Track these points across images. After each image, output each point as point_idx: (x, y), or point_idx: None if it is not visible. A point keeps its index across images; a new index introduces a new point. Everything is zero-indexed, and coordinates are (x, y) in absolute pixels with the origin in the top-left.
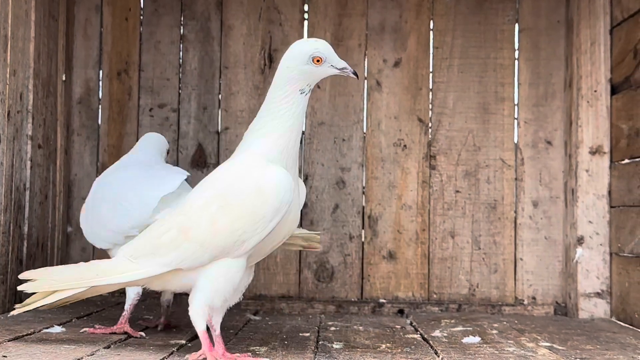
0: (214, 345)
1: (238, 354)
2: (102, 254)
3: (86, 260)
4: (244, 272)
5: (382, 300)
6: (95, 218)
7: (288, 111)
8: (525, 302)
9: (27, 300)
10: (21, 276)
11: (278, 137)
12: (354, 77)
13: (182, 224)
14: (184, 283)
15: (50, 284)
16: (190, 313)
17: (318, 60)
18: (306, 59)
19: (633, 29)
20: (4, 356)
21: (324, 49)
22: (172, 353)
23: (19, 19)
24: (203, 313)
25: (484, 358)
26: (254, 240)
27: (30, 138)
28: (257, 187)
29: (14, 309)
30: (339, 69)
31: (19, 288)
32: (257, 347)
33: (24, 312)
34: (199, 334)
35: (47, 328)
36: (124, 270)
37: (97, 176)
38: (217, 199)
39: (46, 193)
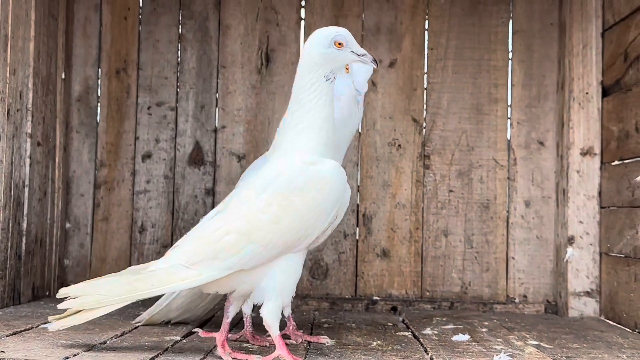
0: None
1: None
2: (100, 251)
3: (84, 256)
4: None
5: (375, 298)
6: None
7: (318, 101)
8: (517, 300)
9: (68, 312)
10: (61, 292)
11: (318, 130)
12: (374, 65)
13: (242, 227)
14: (243, 284)
15: (97, 299)
16: (264, 316)
17: (340, 44)
18: (328, 42)
19: (624, 32)
20: (2, 351)
21: (345, 34)
22: (166, 349)
23: (19, 19)
24: (278, 315)
25: (471, 356)
26: (315, 234)
27: (29, 136)
28: (315, 183)
29: (49, 321)
30: (359, 55)
31: (60, 306)
32: (250, 344)
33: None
34: (275, 339)
35: (44, 323)
36: (184, 277)
37: (95, 173)
38: (277, 198)
39: (45, 190)
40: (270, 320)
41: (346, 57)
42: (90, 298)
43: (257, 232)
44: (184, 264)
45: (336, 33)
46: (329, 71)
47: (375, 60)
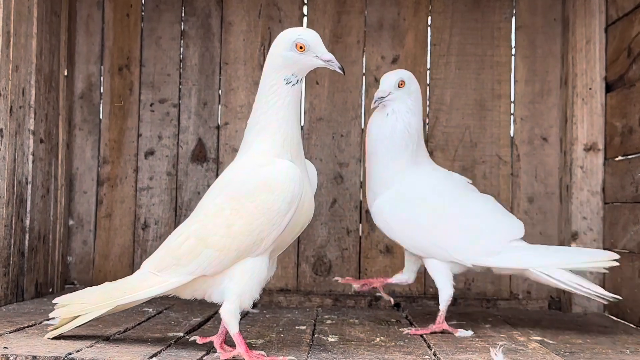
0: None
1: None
2: (103, 248)
3: (87, 253)
4: (268, 267)
5: (378, 294)
6: None
7: (276, 102)
8: (520, 296)
9: (59, 324)
10: (55, 300)
11: (275, 130)
12: (340, 72)
13: (198, 232)
14: (212, 288)
15: (81, 307)
16: (222, 315)
17: (301, 47)
18: (289, 45)
19: (627, 27)
20: (5, 347)
21: (308, 37)
22: (169, 345)
23: (22, 16)
24: (236, 315)
25: (475, 352)
26: (272, 237)
27: (32, 133)
28: (267, 185)
29: (48, 330)
30: (324, 61)
31: (51, 314)
32: (254, 340)
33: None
34: (234, 337)
35: (47, 320)
36: (152, 284)
37: (98, 170)
38: (229, 202)
39: (48, 187)
40: (228, 319)
41: (309, 61)
42: (76, 307)
43: (211, 236)
44: (153, 271)
45: (297, 36)
46: (291, 74)
47: (342, 68)
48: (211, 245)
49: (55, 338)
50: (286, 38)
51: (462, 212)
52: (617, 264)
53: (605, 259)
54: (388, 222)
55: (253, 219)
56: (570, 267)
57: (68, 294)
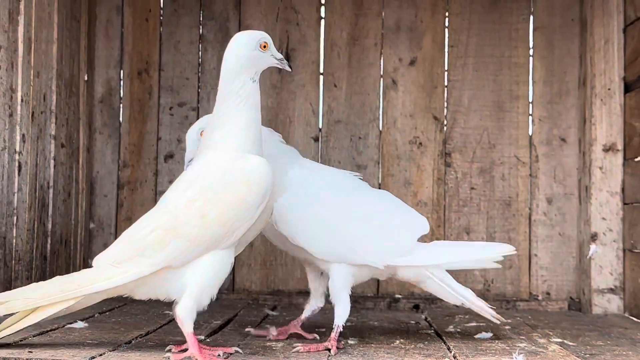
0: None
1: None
2: None
3: None
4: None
5: (397, 296)
6: None
7: (248, 101)
8: (540, 297)
9: (7, 321)
10: None
11: (246, 129)
12: (289, 69)
13: (168, 223)
14: (172, 283)
15: (25, 302)
16: (178, 313)
17: (264, 46)
18: (254, 44)
19: None
20: (30, 351)
21: (268, 38)
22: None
23: (42, 22)
24: (192, 313)
25: (494, 354)
26: (243, 229)
27: (53, 137)
28: (244, 177)
29: None
30: (277, 59)
31: None
32: (274, 343)
33: (7, 335)
34: (187, 336)
35: (70, 323)
36: (110, 275)
37: (118, 174)
38: (204, 193)
39: (69, 191)
40: (184, 317)
41: (268, 59)
42: (18, 302)
43: (183, 227)
44: (111, 263)
45: (261, 36)
46: (254, 73)
47: (290, 66)
48: (182, 235)
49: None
50: (251, 38)
51: (372, 210)
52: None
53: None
54: (291, 226)
55: (228, 210)
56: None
57: (9, 291)
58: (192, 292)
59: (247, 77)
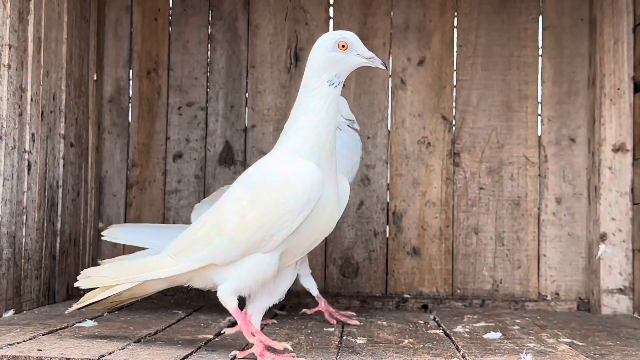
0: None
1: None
2: (133, 250)
3: (117, 255)
4: (278, 270)
5: (406, 296)
6: None
7: (317, 104)
8: (549, 297)
9: (82, 299)
10: (81, 274)
11: (308, 131)
12: (383, 68)
13: (215, 219)
14: (219, 279)
15: (101, 279)
16: (219, 295)
17: (343, 46)
18: (332, 44)
19: None
20: (39, 349)
21: (349, 36)
22: (199, 347)
23: (52, 22)
24: (231, 294)
25: (503, 354)
26: (282, 235)
27: (63, 137)
28: (284, 180)
29: (71, 306)
30: (366, 58)
31: (76, 284)
32: (283, 342)
33: (80, 308)
34: (232, 312)
35: (79, 322)
36: (164, 265)
37: (127, 173)
38: (247, 193)
39: (78, 190)
40: (224, 298)
41: (352, 59)
42: (96, 279)
43: (225, 225)
44: (170, 253)
45: (339, 36)
46: (334, 75)
47: (384, 64)
48: (224, 233)
49: (79, 309)
50: (328, 39)
51: None
52: None
53: None
54: None
55: (266, 212)
56: None
57: (93, 267)
58: (229, 283)
59: (324, 79)
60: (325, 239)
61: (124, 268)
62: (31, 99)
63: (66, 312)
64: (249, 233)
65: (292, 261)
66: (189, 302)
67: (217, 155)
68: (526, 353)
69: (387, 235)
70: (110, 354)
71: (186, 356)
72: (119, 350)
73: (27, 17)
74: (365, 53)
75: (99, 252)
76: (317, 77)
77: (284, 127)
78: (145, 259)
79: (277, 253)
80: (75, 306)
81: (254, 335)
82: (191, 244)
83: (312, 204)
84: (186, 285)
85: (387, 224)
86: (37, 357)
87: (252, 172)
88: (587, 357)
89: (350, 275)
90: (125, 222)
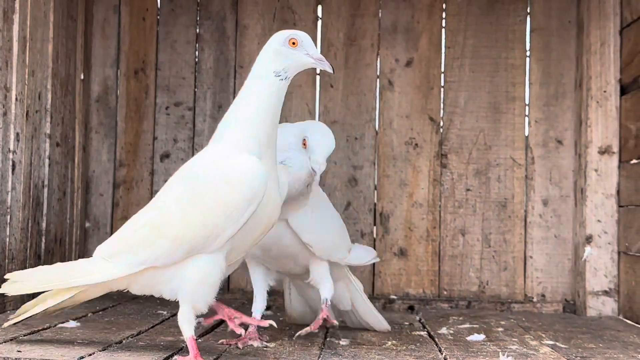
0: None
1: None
2: None
3: None
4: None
5: (392, 297)
6: None
7: (261, 92)
8: (535, 299)
9: (18, 311)
10: (8, 278)
11: (250, 123)
12: (330, 71)
13: (154, 220)
14: (162, 285)
15: (28, 285)
16: (178, 318)
17: (294, 43)
18: (282, 40)
19: None
20: (19, 351)
21: (302, 35)
22: (181, 349)
23: (38, 21)
24: (188, 318)
25: (485, 356)
26: (228, 233)
27: (48, 136)
28: (225, 177)
29: (9, 319)
30: (315, 59)
31: (1, 291)
32: (265, 343)
33: (17, 323)
34: (187, 340)
35: (62, 323)
36: (99, 269)
37: (114, 173)
38: (187, 192)
39: (64, 190)
40: (181, 322)
41: (300, 57)
42: (28, 284)
43: (167, 225)
44: (105, 256)
45: (291, 33)
46: (281, 68)
47: (332, 66)
48: (165, 234)
49: (15, 324)
50: (280, 35)
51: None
52: None
53: None
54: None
55: (209, 212)
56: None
57: (23, 271)
58: (183, 297)
59: (270, 69)
60: None
61: (54, 273)
62: (16, 99)
63: (2, 327)
64: (191, 234)
65: (236, 259)
66: (175, 302)
67: None
68: (507, 356)
69: (374, 236)
70: (90, 355)
71: (166, 358)
72: (100, 351)
73: (12, 16)
74: (315, 54)
75: (86, 251)
76: (264, 67)
77: (224, 116)
78: (76, 262)
79: (223, 252)
80: (12, 321)
81: None
82: (130, 246)
83: (258, 201)
84: (125, 290)
85: (375, 225)
86: (16, 358)
87: (192, 168)
88: (567, 359)
89: None
90: (112, 221)
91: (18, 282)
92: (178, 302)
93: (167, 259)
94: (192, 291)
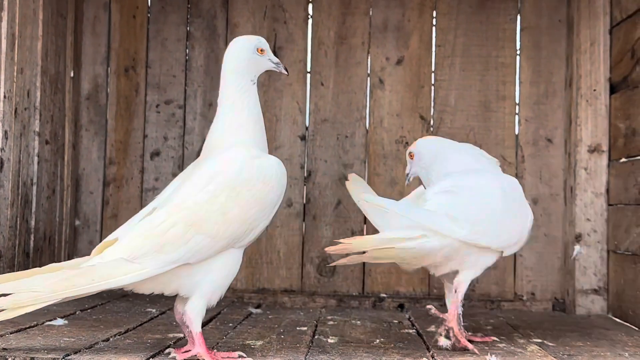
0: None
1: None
2: None
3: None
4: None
5: (383, 295)
6: None
7: (250, 102)
8: (524, 298)
9: (8, 306)
10: (8, 292)
11: (253, 127)
12: (285, 73)
13: (189, 218)
14: (183, 280)
15: (32, 295)
16: (188, 312)
17: (262, 51)
18: (252, 48)
19: (631, 29)
20: (4, 349)
21: (264, 42)
22: (168, 346)
23: (27, 18)
24: (202, 313)
25: (472, 354)
26: (261, 227)
27: (37, 134)
28: (263, 176)
29: None
30: (275, 63)
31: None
32: (253, 342)
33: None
34: (195, 336)
35: (50, 320)
36: (127, 271)
37: (104, 171)
38: (225, 190)
39: (54, 188)
40: (195, 317)
41: (265, 63)
42: (25, 295)
43: (205, 223)
44: (127, 258)
45: (257, 41)
46: (254, 75)
47: (286, 69)
48: (204, 231)
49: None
50: (249, 42)
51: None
52: None
53: None
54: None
55: (249, 207)
56: None
57: (12, 282)
58: (204, 291)
59: (248, 79)
60: (303, 237)
61: (67, 280)
62: (4, 96)
63: None
64: (232, 229)
65: None
66: (164, 300)
67: (195, 153)
68: (491, 355)
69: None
70: (76, 353)
71: (153, 356)
72: (86, 349)
73: (0, 14)
74: (274, 59)
75: (76, 250)
76: (243, 78)
77: (214, 127)
78: (90, 269)
79: (243, 247)
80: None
81: None
82: (161, 246)
83: (283, 196)
84: (131, 290)
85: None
86: (1, 356)
87: (222, 168)
88: (555, 357)
89: (327, 275)
90: (102, 219)
91: (16, 293)
92: (174, 299)
93: (203, 254)
94: (219, 285)
